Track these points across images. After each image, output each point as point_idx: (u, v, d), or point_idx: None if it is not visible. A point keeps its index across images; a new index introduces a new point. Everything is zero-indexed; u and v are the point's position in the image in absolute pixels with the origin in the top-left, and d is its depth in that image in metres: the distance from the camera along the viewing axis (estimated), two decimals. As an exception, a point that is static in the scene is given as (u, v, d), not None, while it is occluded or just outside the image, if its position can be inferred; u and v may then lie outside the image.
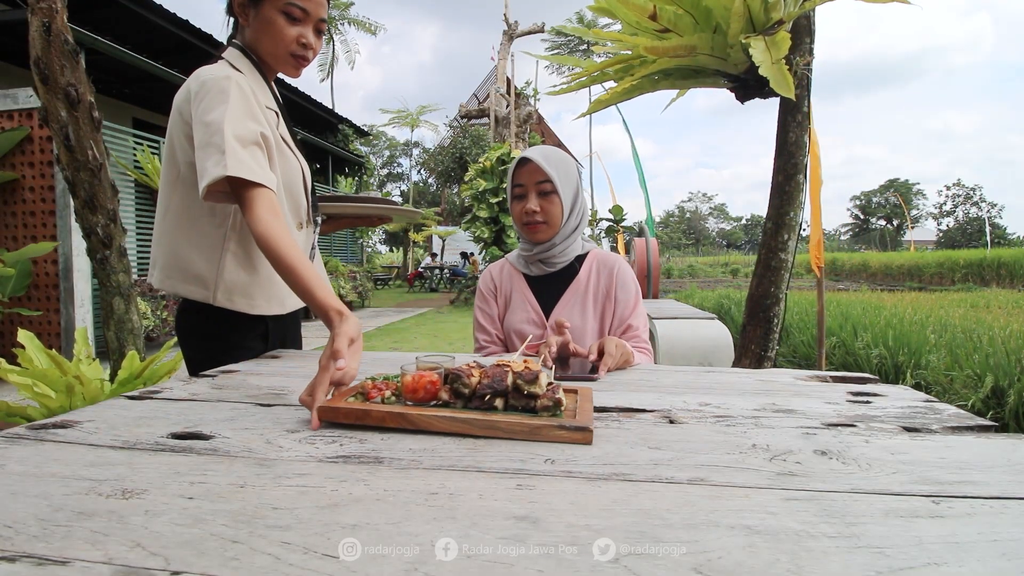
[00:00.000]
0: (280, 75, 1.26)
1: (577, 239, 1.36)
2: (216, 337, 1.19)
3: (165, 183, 1.16)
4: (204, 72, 1.07)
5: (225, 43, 1.22)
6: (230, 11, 1.18)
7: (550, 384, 0.73)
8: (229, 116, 1.01)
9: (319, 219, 1.34)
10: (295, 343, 1.40)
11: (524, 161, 1.28)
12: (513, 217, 1.34)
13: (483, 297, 1.42)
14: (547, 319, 1.31)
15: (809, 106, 2.80)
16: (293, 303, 1.26)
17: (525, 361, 0.77)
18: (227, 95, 1.03)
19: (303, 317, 1.46)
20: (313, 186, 1.30)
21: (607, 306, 1.32)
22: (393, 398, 0.74)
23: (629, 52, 2.66)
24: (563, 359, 1.09)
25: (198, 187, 1.01)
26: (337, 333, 0.80)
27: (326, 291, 0.92)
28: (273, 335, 1.28)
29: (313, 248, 1.32)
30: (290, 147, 1.21)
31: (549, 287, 1.35)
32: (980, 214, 49.54)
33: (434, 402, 0.72)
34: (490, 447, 0.63)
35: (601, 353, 1.06)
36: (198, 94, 1.05)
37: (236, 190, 1.01)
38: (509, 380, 0.70)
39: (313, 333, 6.47)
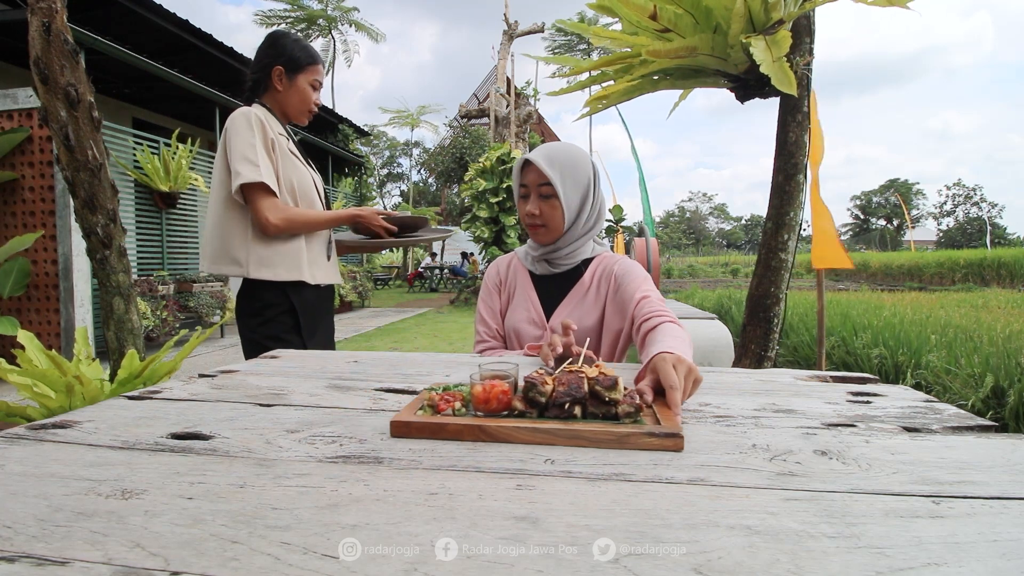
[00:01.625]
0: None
1: (587, 242, 1.32)
2: (255, 313, 1.55)
3: (216, 192, 1.53)
4: (236, 113, 1.52)
5: (245, 103, 1.61)
6: (261, 77, 1.59)
7: (627, 389, 0.70)
8: (257, 140, 1.48)
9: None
10: (326, 321, 1.71)
11: (528, 162, 1.26)
12: (519, 216, 1.33)
13: (488, 290, 1.41)
14: (547, 320, 1.31)
15: (810, 106, 2.80)
16: (312, 275, 1.58)
17: (596, 365, 0.73)
18: (250, 122, 1.49)
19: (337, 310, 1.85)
20: (326, 194, 1.72)
21: (609, 308, 1.28)
22: (463, 410, 0.71)
23: (629, 51, 2.66)
24: (565, 359, 1.09)
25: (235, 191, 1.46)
26: (366, 222, 1.64)
27: (340, 212, 1.60)
28: (300, 310, 1.57)
29: (330, 244, 1.70)
30: (301, 161, 1.62)
31: (553, 287, 1.33)
32: (980, 214, 49.55)
33: (505, 412, 0.69)
34: (489, 447, 0.63)
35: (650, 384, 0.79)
36: (231, 129, 1.48)
37: (254, 194, 1.47)
38: (586, 386, 0.68)
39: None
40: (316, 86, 1.63)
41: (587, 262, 1.33)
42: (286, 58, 1.57)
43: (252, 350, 1.52)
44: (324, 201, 1.67)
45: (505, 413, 0.69)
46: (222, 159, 1.51)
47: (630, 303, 1.19)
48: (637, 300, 1.17)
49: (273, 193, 1.47)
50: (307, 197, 1.59)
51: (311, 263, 1.59)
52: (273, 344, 1.44)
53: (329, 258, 1.69)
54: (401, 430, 0.66)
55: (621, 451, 0.61)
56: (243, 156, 1.44)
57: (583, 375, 0.69)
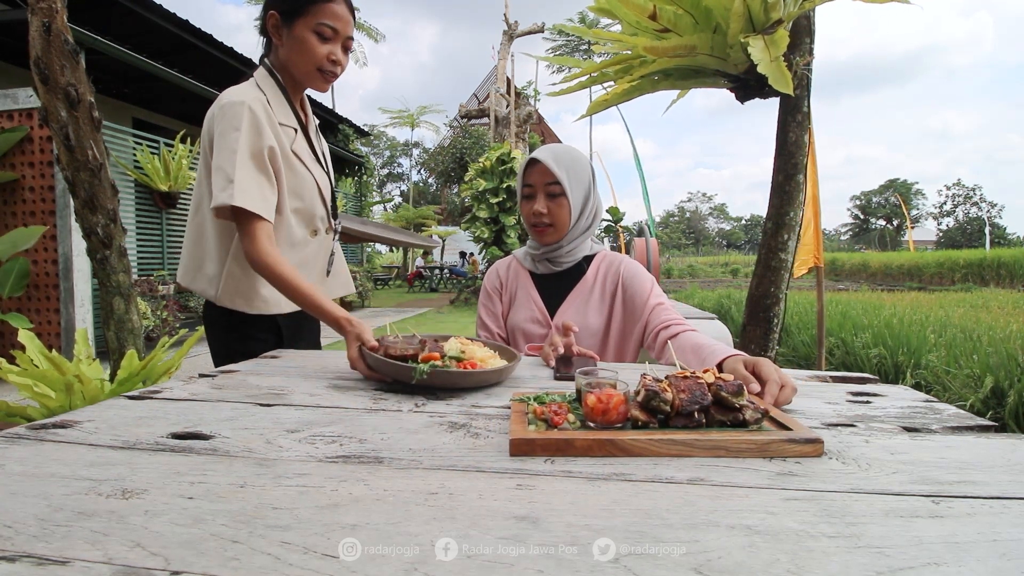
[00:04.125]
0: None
1: (586, 240, 1.34)
2: (231, 327, 1.30)
3: (196, 193, 1.27)
4: (225, 96, 1.18)
5: (258, 62, 1.29)
6: (264, 31, 1.26)
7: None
8: (241, 144, 1.12)
9: (339, 227, 1.42)
10: (312, 337, 1.46)
11: (534, 161, 1.26)
12: (522, 216, 1.33)
13: (487, 294, 1.43)
14: (551, 318, 1.31)
15: (809, 106, 2.80)
16: (292, 306, 1.31)
17: (706, 371, 0.70)
18: (240, 120, 1.13)
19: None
20: (333, 195, 1.39)
21: (614, 306, 1.30)
22: (578, 422, 0.66)
23: (629, 52, 2.66)
24: (566, 359, 1.09)
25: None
26: (348, 342, 0.99)
27: (332, 304, 1.10)
28: (285, 329, 1.35)
29: (332, 254, 1.42)
30: (304, 161, 1.28)
31: (555, 286, 1.34)
32: (980, 214, 49.56)
33: (621, 424, 0.64)
34: (489, 446, 0.63)
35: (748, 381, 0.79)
36: (217, 117, 1.16)
37: (238, 217, 1.14)
38: (709, 393, 0.65)
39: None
40: (326, 33, 1.19)
41: (588, 260, 1.34)
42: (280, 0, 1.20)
43: (219, 358, 1.29)
44: (330, 208, 1.36)
45: (619, 425, 0.64)
46: (205, 159, 1.21)
47: (644, 309, 1.24)
48: (652, 307, 1.23)
49: (260, 217, 1.14)
50: (304, 207, 1.28)
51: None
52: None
53: (329, 272, 1.41)
54: (523, 448, 0.60)
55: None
56: (223, 172, 1.12)
57: (702, 381, 0.66)
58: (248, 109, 1.14)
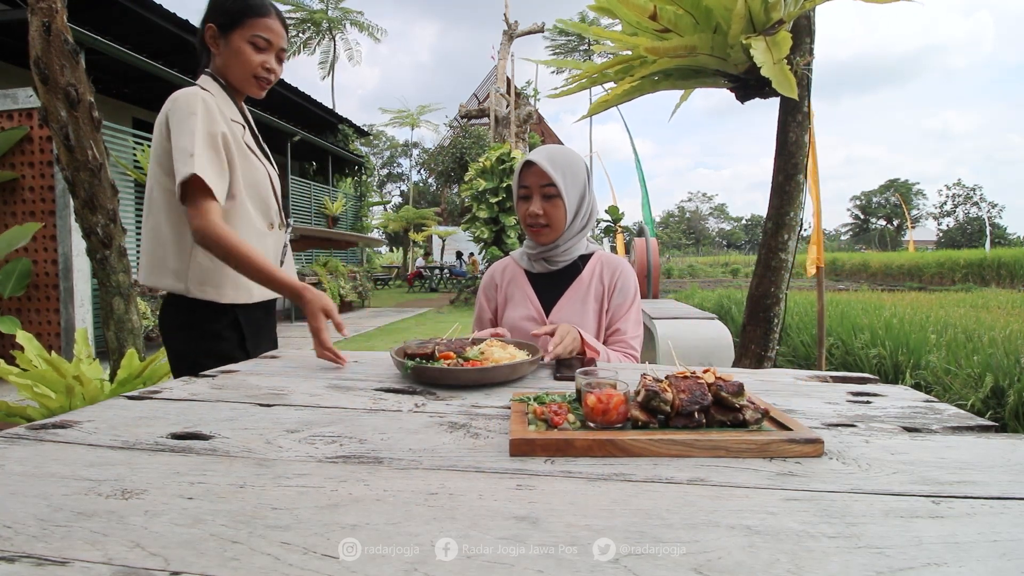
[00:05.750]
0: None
1: (582, 239, 1.37)
2: (192, 326, 1.31)
3: (148, 191, 1.30)
4: (176, 93, 1.25)
5: (199, 71, 1.37)
6: (202, 44, 1.34)
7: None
8: (199, 126, 1.20)
9: (291, 222, 1.50)
10: (270, 335, 1.47)
11: (530, 164, 1.28)
12: (519, 217, 1.35)
13: (483, 295, 1.46)
14: (547, 316, 1.32)
15: (809, 106, 2.80)
16: (260, 293, 1.36)
17: (706, 370, 0.70)
18: (196, 107, 1.21)
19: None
20: (283, 191, 1.44)
21: (607, 305, 1.33)
22: (578, 423, 0.66)
23: (629, 52, 2.66)
24: (567, 359, 1.10)
25: (175, 192, 1.19)
26: (309, 311, 1.13)
27: (287, 275, 1.20)
28: (246, 325, 1.36)
29: (285, 247, 1.46)
30: (256, 154, 1.36)
31: (551, 285, 1.36)
32: (980, 214, 49.53)
33: (621, 424, 0.64)
34: (489, 446, 0.63)
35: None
36: (173, 111, 1.22)
37: (191, 195, 1.17)
38: (709, 393, 0.65)
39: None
40: (260, 44, 1.29)
41: (584, 259, 1.36)
42: (217, 12, 1.29)
43: (185, 367, 1.25)
44: (279, 200, 1.42)
45: (619, 425, 0.64)
46: (159, 151, 1.25)
47: (608, 329, 1.34)
48: (614, 330, 1.33)
49: (212, 195, 1.18)
50: (260, 197, 1.34)
51: None
52: (212, 362, 1.19)
53: (283, 263, 1.43)
54: (523, 448, 0.60)
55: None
56: (184, 149, 1.17)
57: (702, 381, 0.66)
58: (201, 99, 1.23)
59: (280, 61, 1.37)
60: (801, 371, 1.04)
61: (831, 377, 0.99)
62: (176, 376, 1.23)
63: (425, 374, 0.92)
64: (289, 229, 1.49)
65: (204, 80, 1.33)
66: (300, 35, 26.41)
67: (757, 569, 0.38)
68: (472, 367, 0.91)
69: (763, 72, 2.09)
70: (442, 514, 0.46)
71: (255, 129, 1.42)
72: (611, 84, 2.89)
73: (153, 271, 1.29)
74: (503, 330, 1.24)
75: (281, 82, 8.73)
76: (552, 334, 1.10)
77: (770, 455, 0.59)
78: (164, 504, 0.47)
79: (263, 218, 1.36)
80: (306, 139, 8.99)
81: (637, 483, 0.53)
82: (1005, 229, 47.43)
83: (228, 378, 0.98)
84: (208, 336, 1.30)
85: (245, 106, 1.41)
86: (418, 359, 0.96)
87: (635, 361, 1.28)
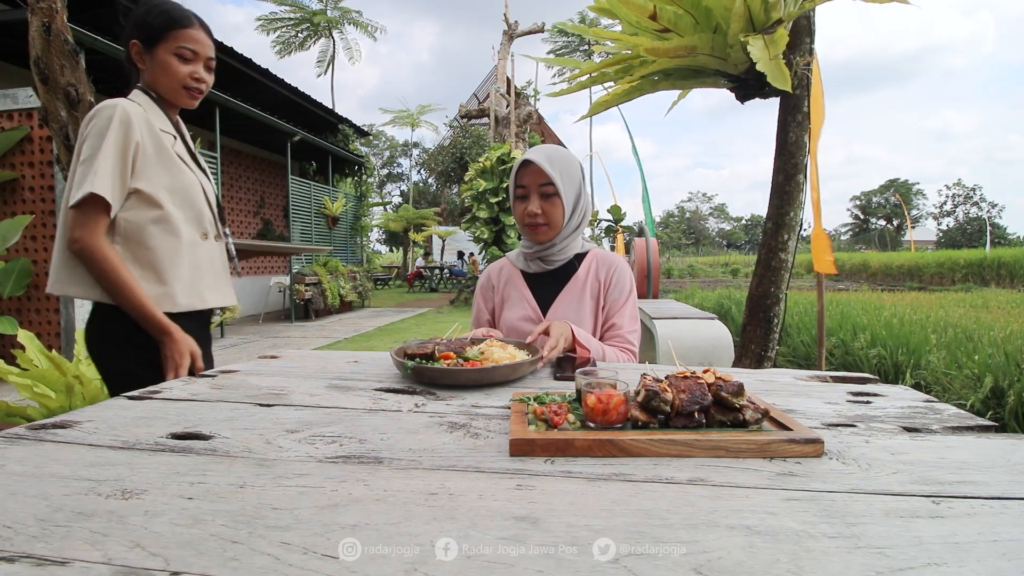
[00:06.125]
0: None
1: (577, 238, 1.38)
2: (121, 341, 1.25)
3: (65, 199, 1.27)
4: (101, 105, 1.24)
5: (128, 89, 1.36)
6: (129, 61, 1.34)
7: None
8: (108, 140, 1.19)
9: (228, 232, 1.47)
10: (205, 349, 1.37)
11: (527, 163, 1.29)
12: (515, 217, 1.35)
13: (480, 297, 1.47)
14: (544, 316, 1.32)
15: (809, 106, 2.80)
16: (186, 303, 1.30)
17: (706, 370, 0.70)
18: (110, 119, 1.20)
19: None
20: (218, 200, 1.45)
21: (603, 303, 1.34)
22: (578, 423, 0.66)
23: (629, 52, 2.66)
24: (566, 359, 1.10)
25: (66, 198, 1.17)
26: (177, 351, 1.22)
27: (156, 309, 1.21)
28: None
29: (233, 259, 1.46)
30: (187, 164, 1.35)
31: (547, 284, 1.37)
32: (980, 214, 49.53)
33: (621, 424, 0.64)
34: (489, 446, 0.63)
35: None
36: (89, 122, 1.22)
37: (86, 205, 1.16)
38: (709, 393, 0.65)
39: (299, 333, 6.41)
40: (186, 55, 1.30)
41: (579, 257, 1.37)
42: (139, 28, 1.29)
43: (123, 383, 1.11)
44: (215, 210, 1.41)
45: (620, 425, 0.64)
46: (74, 165, 1.23)
47: (604, 324, 1.34)
48: (610, 325, 1.33)
49: (106, 212, 1.18)
50: (191, 206, 1.32)
51: (193, 283, 1.30)
52: (151, 375, 1.16)
53: (234, 272, 1.43)
54: (523, 449, 0.60)
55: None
56: (88, 161, 1.18)
57: (702, 381, 0.66)
58: (121, 109, 1.22)
59: (209, 70, 1.37)
60: (801, 371, 1.04)
61: (831, 377, 0.99)
62: (114, 395, 1.12)
63: (425, 374, 0.92)
64: (228, 239, 1.46)
65: (135, 94, 1.32)
66: (298, 35, 26.43)
67: (757, 569, 0.38)
68: (472, 367, 0.91)
69: (758, 67, 2.09)
70: (442, 514, 0.46)
71: (188, 141, 1.42)
72: (611, 84, 2.89)
73: (64, 279, 1.23)
74: (495, 331, 1.25)
75: (281, 82, 8.74)
76: (546, 332, 1.11)
77: (770, 455, 0.59)
78: (164, 504, 0.47)
79: (195, 227, 1.33)
80: (306, 139, 8.99)
81: (637, 483, 0.53)
82: (1005, 229, 47.40)
83: (228, 378, 0.98)
84: (140, 346, 1.24)
85: (179, 119, 1.41)
86: (418, 359, 0.96)
87: (632, 356, 1.28)
